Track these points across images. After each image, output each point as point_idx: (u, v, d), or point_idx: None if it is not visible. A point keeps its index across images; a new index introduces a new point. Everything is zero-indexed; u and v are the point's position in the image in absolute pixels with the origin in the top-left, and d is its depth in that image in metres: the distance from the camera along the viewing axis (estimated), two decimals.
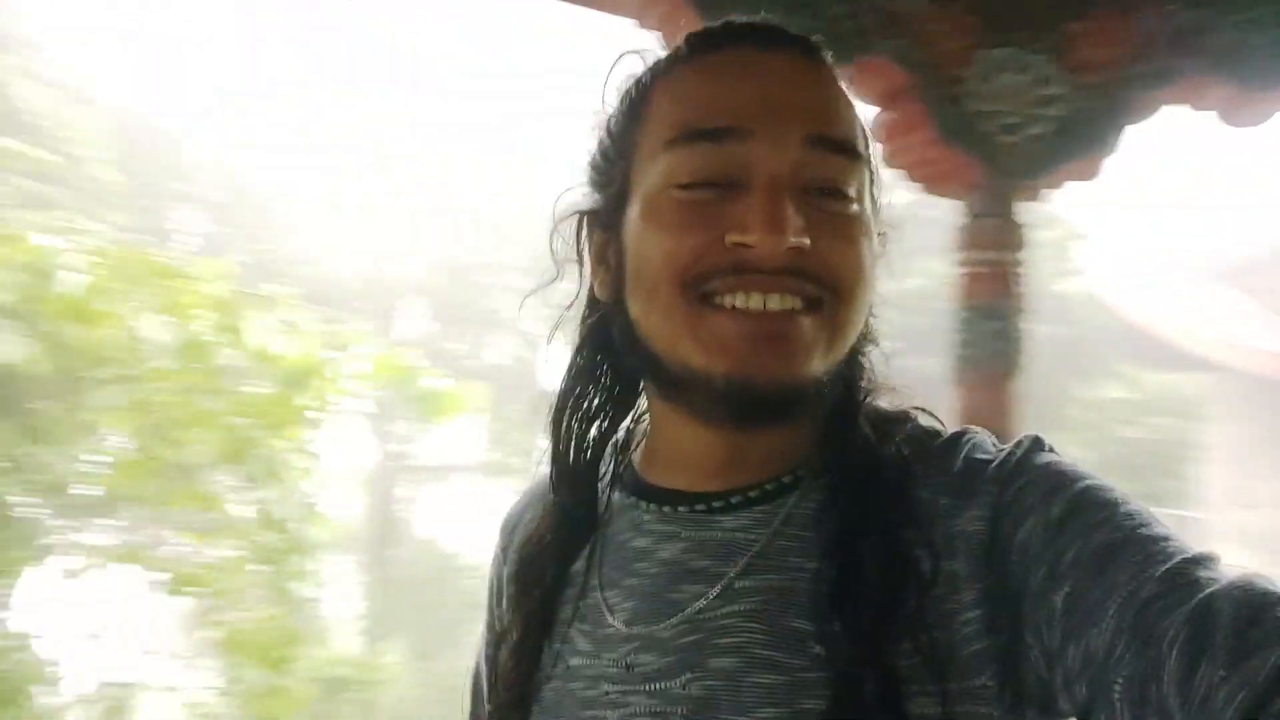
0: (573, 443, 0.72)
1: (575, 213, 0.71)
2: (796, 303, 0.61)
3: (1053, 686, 0.54)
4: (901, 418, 0.67)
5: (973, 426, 0.67)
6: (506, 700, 0.70)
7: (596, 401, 0.73)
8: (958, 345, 1.93)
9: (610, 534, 0.70)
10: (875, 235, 0.66)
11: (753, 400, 0.61)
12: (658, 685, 0.61)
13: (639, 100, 0.67)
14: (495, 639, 0.75)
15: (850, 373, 0.67)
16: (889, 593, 0.56)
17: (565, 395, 0.72)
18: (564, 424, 0.72)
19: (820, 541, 0.61)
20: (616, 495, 0.72)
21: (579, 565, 0.71)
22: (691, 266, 0.61)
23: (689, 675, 0.60)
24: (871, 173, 0.67)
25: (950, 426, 0.68)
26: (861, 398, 0.67)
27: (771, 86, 0.62)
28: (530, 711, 0.69)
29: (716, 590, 0.62)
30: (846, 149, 0.63)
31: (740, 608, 0.61)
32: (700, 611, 0.62)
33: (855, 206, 0.64)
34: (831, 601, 0.58)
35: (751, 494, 0.65)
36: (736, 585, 0.61)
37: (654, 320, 0.64)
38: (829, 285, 0.61)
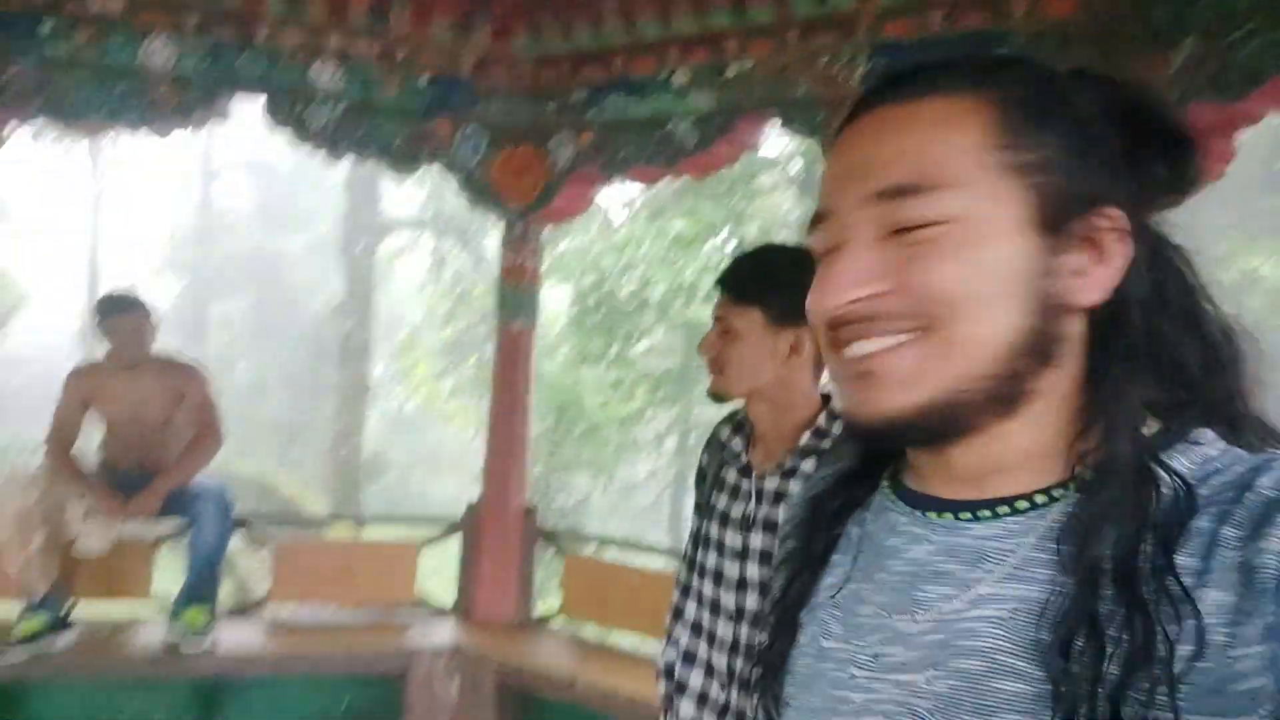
0: None
1: None
2: (881, 344, 0.62)
3: None
4: (1193, 439, 0.61)
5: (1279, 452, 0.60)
6: (766, 664, 0.76)
7: None
8: None
9: (870, 530, 0.73)
10: (1012, 237, 0.60)
11: (861, 435, 0.65)
12: (902, 677, 0.63)
13: None
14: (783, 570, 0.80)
15: (1123, 387, 0.62)
16: (1131, 615, 0.55)
17: None
18: None
19: (1072, 558, 0.59)
20: (885, 489, 0.74)
21: (838, 555, 0.75)
22: (819, 326, 0.67)
23: (932, 672, 0.61)
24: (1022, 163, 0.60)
25: (1258, 451, 0.61)
26: (1134, 416, 0.62)
27: (849, 157, 0.65)
28: (784, 680, 0.74)
29: (964, 594, 0.62)
30: (908, 190, 0.61)
31: (986, 613, 0.61)
32: (946, 612, 0.63)
33: (951, 228, 0.60)
34: (1076, 618, 0.57)
35: (1000, 509, 0.64)
36: (984, 591, 0.62)
37: None
38: (918, 318, 0.61)
